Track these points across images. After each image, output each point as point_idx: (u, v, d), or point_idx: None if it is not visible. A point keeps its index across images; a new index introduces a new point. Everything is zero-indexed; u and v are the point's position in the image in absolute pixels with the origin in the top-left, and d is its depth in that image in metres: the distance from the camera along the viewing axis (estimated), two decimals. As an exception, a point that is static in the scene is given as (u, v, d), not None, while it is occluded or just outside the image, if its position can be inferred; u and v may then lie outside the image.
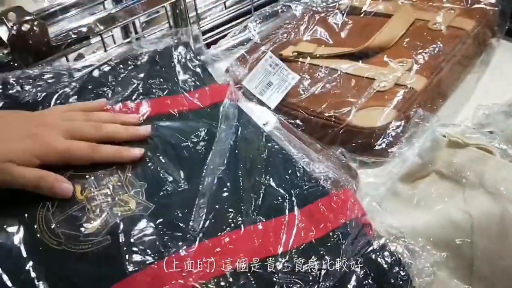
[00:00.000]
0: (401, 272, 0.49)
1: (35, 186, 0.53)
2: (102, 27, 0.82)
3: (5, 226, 0.51)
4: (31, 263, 0.48)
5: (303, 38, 0.85)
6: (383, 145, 0.68)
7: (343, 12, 0.90)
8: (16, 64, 0.74)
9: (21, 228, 0.50)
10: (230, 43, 0.86)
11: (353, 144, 0.69)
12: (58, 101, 0.63)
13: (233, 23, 0.96)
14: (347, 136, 0.70)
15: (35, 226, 0.50)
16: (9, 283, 0.46)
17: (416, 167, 0.55)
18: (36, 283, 0.46)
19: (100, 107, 0.64)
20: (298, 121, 0.73)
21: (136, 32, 0.92)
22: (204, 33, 0.93)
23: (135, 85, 0.67)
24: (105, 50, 0.83)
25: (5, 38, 0.72)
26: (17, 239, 0.49)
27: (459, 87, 0.80)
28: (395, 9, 0.88)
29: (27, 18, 0.72)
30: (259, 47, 0.82)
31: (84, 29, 0.81)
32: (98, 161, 0.56)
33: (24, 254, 0.48)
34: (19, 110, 0.62)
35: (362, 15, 0.89)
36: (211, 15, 0.97)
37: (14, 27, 0.71)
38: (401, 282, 0.49)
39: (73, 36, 0.80)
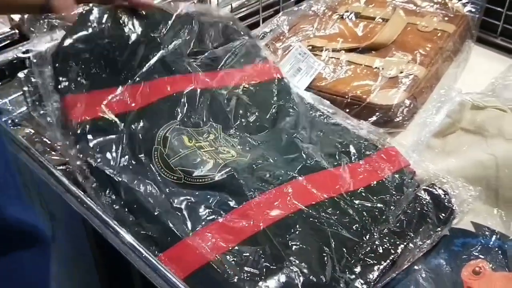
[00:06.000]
0: (448, 203, 0.63)
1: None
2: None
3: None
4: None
5: (316, 34, 0.99)
6: (400, 119, 0.83)
7: (343, 15, 1.05)
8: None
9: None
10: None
11: (374, 119, 0.84)
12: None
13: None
14: (368, 112, 0.84)
15: (153, 166, 0.60)
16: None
17: (446, 125, 0.71)
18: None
19: None
20: (325, 101, 0.87)
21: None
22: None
23: None
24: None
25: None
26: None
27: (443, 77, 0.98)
28: (389, 14, 1.04)
29: None
30: (286, 37, 0.95)
31: None
32: None
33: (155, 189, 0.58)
34: None
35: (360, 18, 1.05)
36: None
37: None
38: (449, 211, 0.63)
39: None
